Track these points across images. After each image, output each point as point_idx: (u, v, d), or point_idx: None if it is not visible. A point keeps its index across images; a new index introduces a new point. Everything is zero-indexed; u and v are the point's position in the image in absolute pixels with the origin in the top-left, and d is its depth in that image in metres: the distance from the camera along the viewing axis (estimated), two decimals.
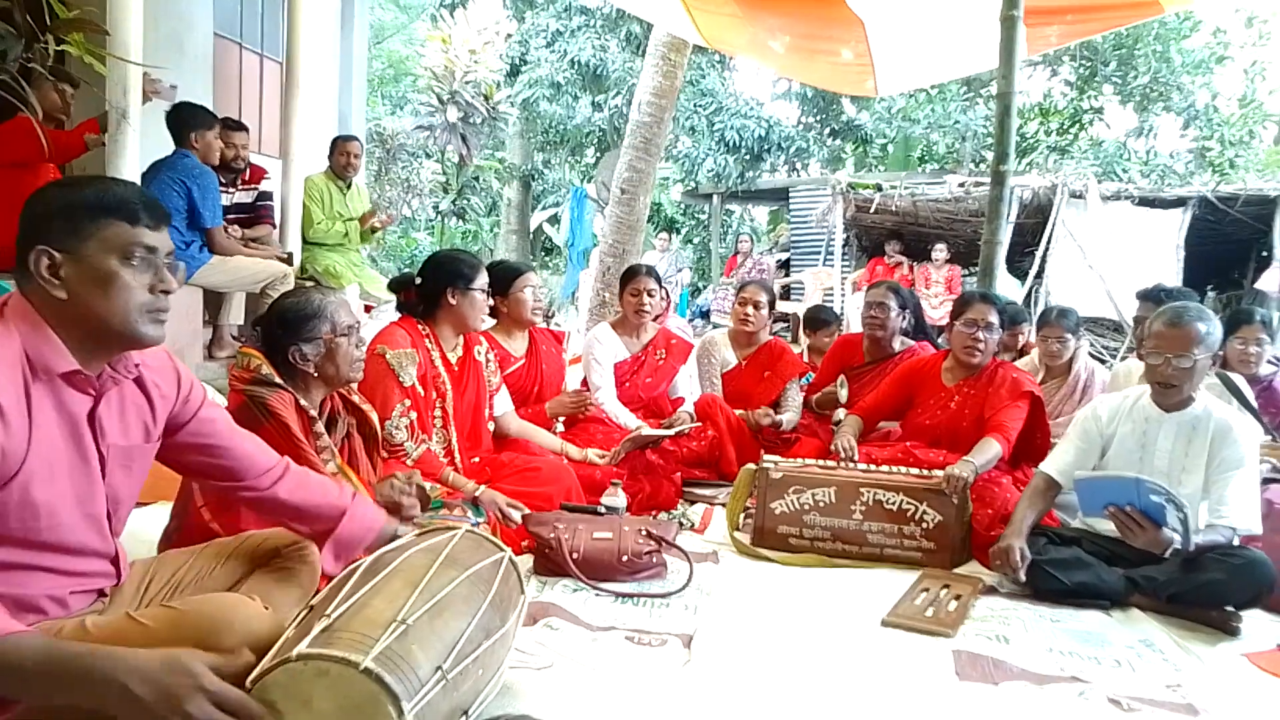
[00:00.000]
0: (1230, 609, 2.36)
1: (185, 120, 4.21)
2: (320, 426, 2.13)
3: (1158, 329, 2.50)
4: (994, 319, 3.19)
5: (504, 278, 3.38)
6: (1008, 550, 2.48)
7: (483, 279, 2.86)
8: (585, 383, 3.84)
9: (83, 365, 1.34)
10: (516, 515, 2.60)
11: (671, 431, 3.50)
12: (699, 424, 3.72)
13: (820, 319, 4.88)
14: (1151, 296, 3.69)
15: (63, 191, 1.36)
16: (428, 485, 2.37)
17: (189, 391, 1.55)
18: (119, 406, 1.43)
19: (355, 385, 2.30)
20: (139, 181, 3.95)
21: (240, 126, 4.74)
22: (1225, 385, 3.15)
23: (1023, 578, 2.47)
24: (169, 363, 1.52)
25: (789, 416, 3.91)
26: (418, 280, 2.85)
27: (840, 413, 3.82)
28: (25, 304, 1.32)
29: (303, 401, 2.08)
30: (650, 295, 3.78)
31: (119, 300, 1.33)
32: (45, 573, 1.36)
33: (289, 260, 4.70)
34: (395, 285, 2.93)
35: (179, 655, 1.19)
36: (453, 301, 2.80)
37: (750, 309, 4.03)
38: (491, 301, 3.30)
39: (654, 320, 3.97)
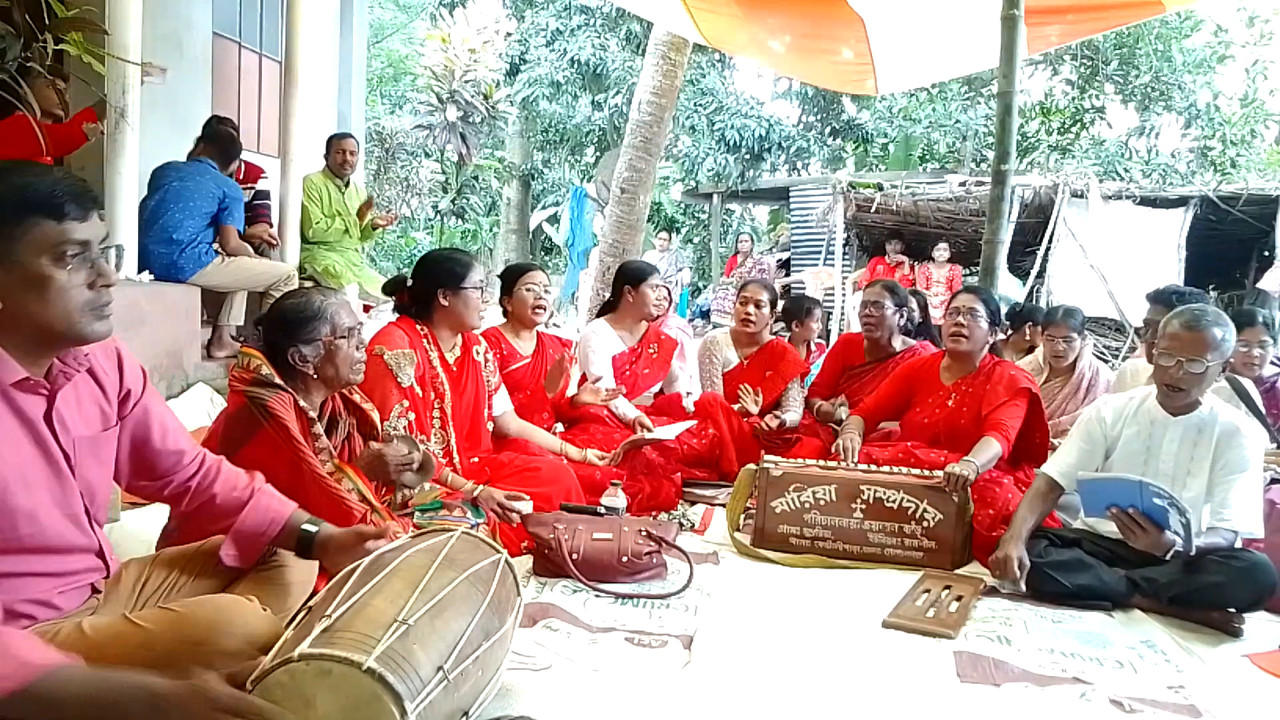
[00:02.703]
0: (1232, 610, 2.35)
1: (225, 149, 4.37)
2: (319, 428, 2.13)
3: (1173, 330, 2.46)
4: (977, 306, 3.18)
5: (510, 275, 3.49)
6: (1006, 561, 2.46)
7: (475, 276, 2.83)
8: (583, 379, 3.86)
9: (29, 369, 1.31)
10: (521, 507, 2.58)
11: (672, 434, 3.49)
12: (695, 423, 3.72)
13: (803, 309, 4.82)
14: (1163, 299, 3.66)
15: None
16: (419, 451, 2.37)
17: (132, 377, 1.51)
18: (75, 398, 1.40)
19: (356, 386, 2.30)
20: (147, 181, 3.96)
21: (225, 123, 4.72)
22: (1234, 389, 3.13)
23: (1023, 588, 2.46)
24: (111, 347, 1.48)
25: (791, 416, 3.91)
26: (410, 283, 2.84)
27: (841, 411, 3.81)
28: None
29: (302, 403, 2.07)
30: (662, 299, 3.96)
31: (58, 303, 1.27)
32: (34, 577, 1.36)
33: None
34: (389, 288, 2.93)
35: (194, 683, 1.17)
36: (445, 303, 2.79)
37: (752, 308, 4.04)
38: (488, 299, 3.34)
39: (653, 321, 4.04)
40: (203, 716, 1.14)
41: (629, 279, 3.92)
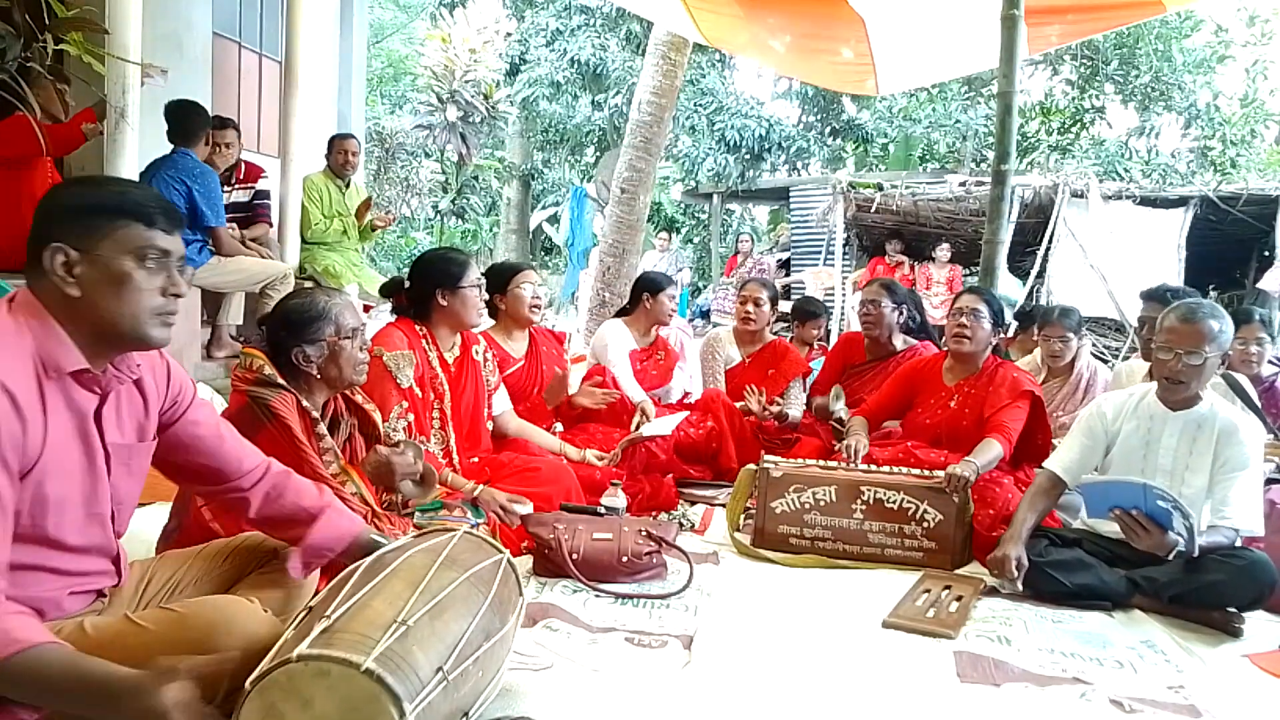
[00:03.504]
0: (1232, 610, 2.35)
1: (183, 123, 4.20)
2: (323, 428, 2.13)
3: (1170, 324, 2.47)
4: (980, 307, 3.18)
5: (502, 275, 3.46)
6: (1004, 560, 2.46)
7: (472, 275, 2.84)
8: (586, 377, 3.89)
9: (90, 364, 1.35)
10: (520, 509, 2.58)
11: (668, 428, 3.49)
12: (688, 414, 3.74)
13: (809, 310, 4.86)
14: (1156, 296, 3.67)
15: (79, 190, 1.38)
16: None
17: (179, 390, 1.54)
18: (117, 406, 1.43)
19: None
20: (137, 180, 3.95)
21: (227, 124, 4.68)
22: (1230, 385, 3.14)
23: (1020, 587, 2.46)
24: (160, 359, 1.52)
25: (792, 413, 3.93)
26: (407, 284, 2.84)
27: (839, 406, 3.81)
28: (35, 301, 1.33)
29: (305, 403, 2.08)
30: (674, 306, 4.13)
31: (130, 301, 1.34)
32: (50, 573, 1.36)
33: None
34: (387, 290, 2.92)
35: (149, 683, 1.17)
36: (444, 303, 2.79)
37: (751, 307, 4.06)
38: (487, 298, 3.34)
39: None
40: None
41: (648, 288, 4.07)
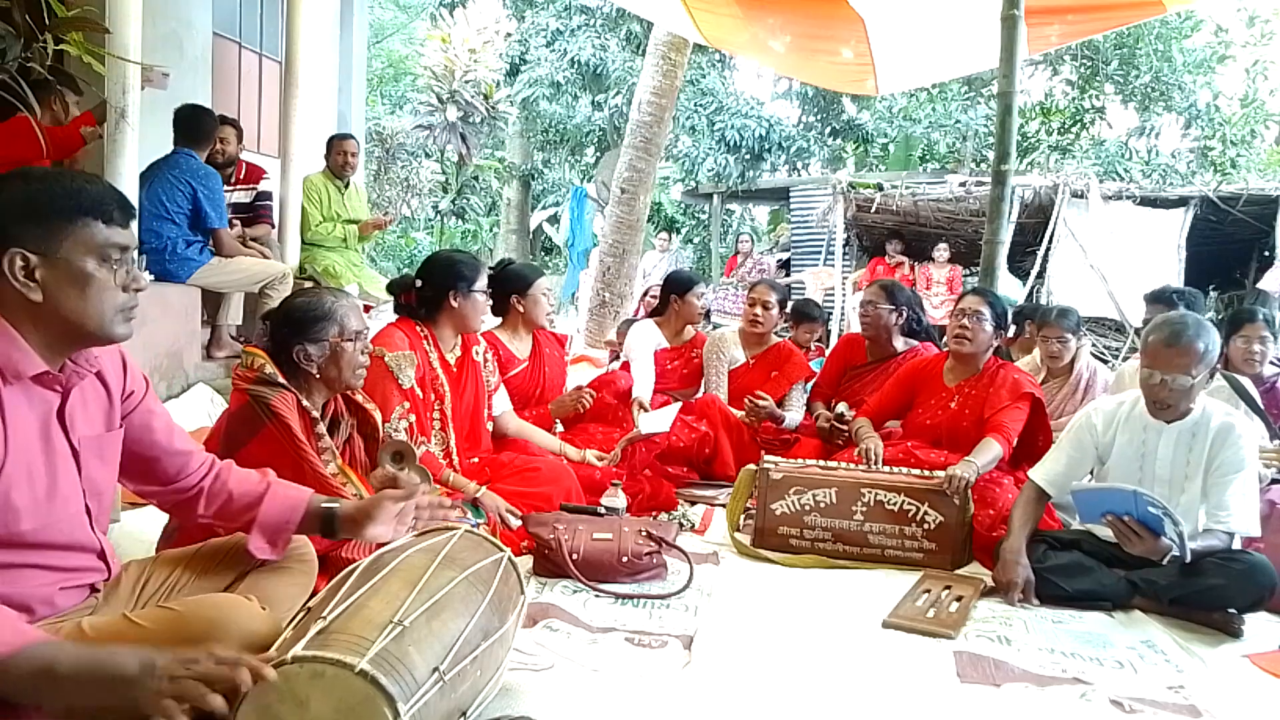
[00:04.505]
0: (1233, 611, 2.35)
1: (193, 127, 4.21)
2: (322, 428, 2.13)
3: (1155, 346, 2.42)
4: (983, 309, 3.17)
5: (525, 278, 3.44)
6: (1010, 585, 2.44)
7: (483, 280, 2.86)
8: (599, 380, 3.89)
9: (48, 364, 1.34)
10: (514, 521, 2.60)
11: (666, 424, 3.48)
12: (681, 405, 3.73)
13: (806, 313, 4.85)
14: (1163, 299, 3.64)
15: (30, 189, 1.31)
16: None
17: (135, 378, 1.54)
18: (82, 399, 1.42)
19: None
20: (138, 181, 3.95)
21: (226, 122, 4.68)
22: (1233, 388, 3.12)
23: (1035, 602, 2.44)
24: (115, 349, 1.51)
25: (792, 416, 3.92)
26: (418, 283, 2.84)
27: (841, 406, 3.81)
28: None
29: (305, 402, 2.07)
30: (704, 305, 4.24)
31: (96, 302, 1.33)
32: (35, 570, 1.36)
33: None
34: (394, 288, 2.92)
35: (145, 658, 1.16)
36: (455, 304, 2.80)
37: (760, 309, 4.04)
38: (505, 299, 3.35)
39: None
40: (153, 691, 1.12)
41: (675, 288, 4.11)
